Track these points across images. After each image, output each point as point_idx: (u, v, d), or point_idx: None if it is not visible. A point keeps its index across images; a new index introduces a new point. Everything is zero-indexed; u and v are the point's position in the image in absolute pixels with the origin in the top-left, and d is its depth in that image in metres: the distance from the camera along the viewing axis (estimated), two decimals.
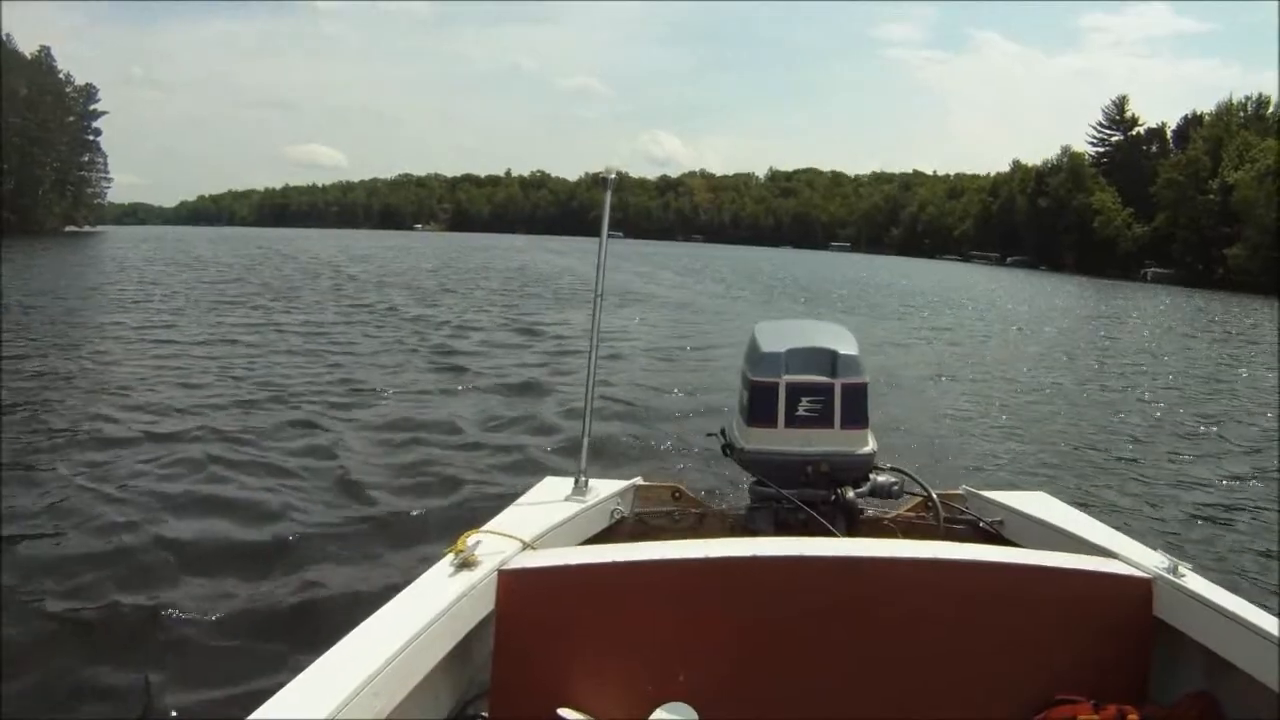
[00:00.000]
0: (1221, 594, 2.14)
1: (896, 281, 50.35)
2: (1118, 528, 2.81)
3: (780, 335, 3.24)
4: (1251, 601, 2.10)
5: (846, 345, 3.15)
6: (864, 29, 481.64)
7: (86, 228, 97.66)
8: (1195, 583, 2.20)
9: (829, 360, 3.09)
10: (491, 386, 11.31)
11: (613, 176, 3.35)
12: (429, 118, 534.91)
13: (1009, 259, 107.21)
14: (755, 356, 3.18)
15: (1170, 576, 2.22)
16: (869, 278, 53.32)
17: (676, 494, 3.46)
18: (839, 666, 2.17)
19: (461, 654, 2.07)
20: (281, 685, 1.58)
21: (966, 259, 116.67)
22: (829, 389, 3.05)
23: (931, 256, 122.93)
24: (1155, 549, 2.42)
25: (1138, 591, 2.23)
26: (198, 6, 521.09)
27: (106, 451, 7.51)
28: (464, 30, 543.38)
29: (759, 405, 3.10)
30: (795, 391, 3.06)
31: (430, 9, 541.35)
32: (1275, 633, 1.91)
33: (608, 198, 3.33)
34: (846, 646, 2.18)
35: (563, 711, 2.08)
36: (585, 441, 3.09)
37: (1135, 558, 2.35)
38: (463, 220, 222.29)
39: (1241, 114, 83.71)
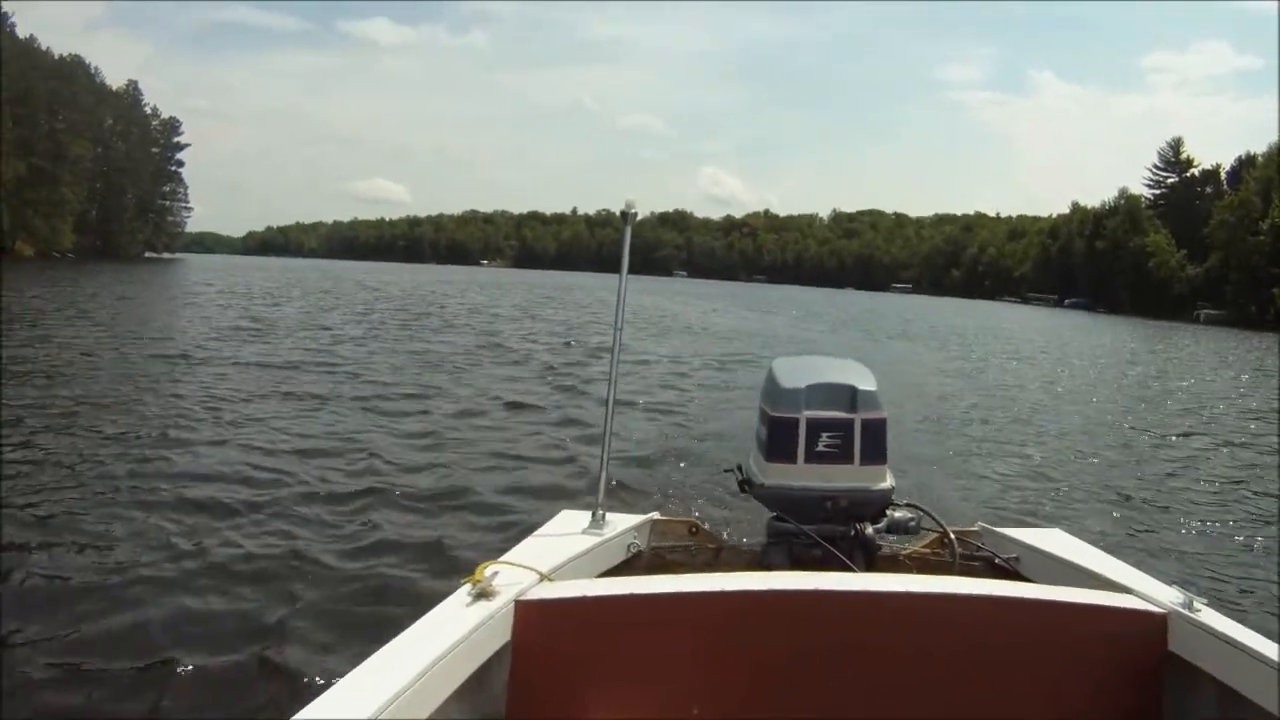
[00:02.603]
0: (1237, 629, 2.14)
1: (945, 321, 51.39)
2: (1134, 564, 2.85)
3: (799, 371, 3.25)
4: (1267, 636, 2.11)
5: (865, 381, 3.16)
6: (925, 70, 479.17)
7: (165, 255, 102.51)
8: (1210, 618, 2.19)
9: (849, 396, 3.10)
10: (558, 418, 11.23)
11: (633, 211, 3.35)
12: (491, 154, 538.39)
13: (1066, 300, 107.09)
14: (775, 392, 3.18)
15: (1185, 611, 2.22)
16: (919, 318, 53.68)
17: (693, 529, 3.48)
18: (855, 701, 2.18)
19: (477, 683, 2.06)
20: (295, 711, 1.61)
21: (1025, 300, 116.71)
22: (849, 424, 3.06)
23: (991, 298, 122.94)
24: (1171, 584, 2.43)
25: (1153, 626, 2.23)
26: (259, 41, 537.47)
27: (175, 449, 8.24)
28: (523, 68, 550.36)
29: (778, 441, 3.11)
30: (815, 427, 3.07)
31: (490, 46, 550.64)
32: None
33: (627, 232, 3.34)
34: (863, 681, 2.19)
35: None
36: (603, 475, 3.10)
37: (1150, 593, 2.36)
38: (528, 257, 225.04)
39: None
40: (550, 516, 3.24)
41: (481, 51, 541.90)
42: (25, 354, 14.07)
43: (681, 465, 8.38)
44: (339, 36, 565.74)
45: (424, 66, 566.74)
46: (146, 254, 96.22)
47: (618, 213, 3.40)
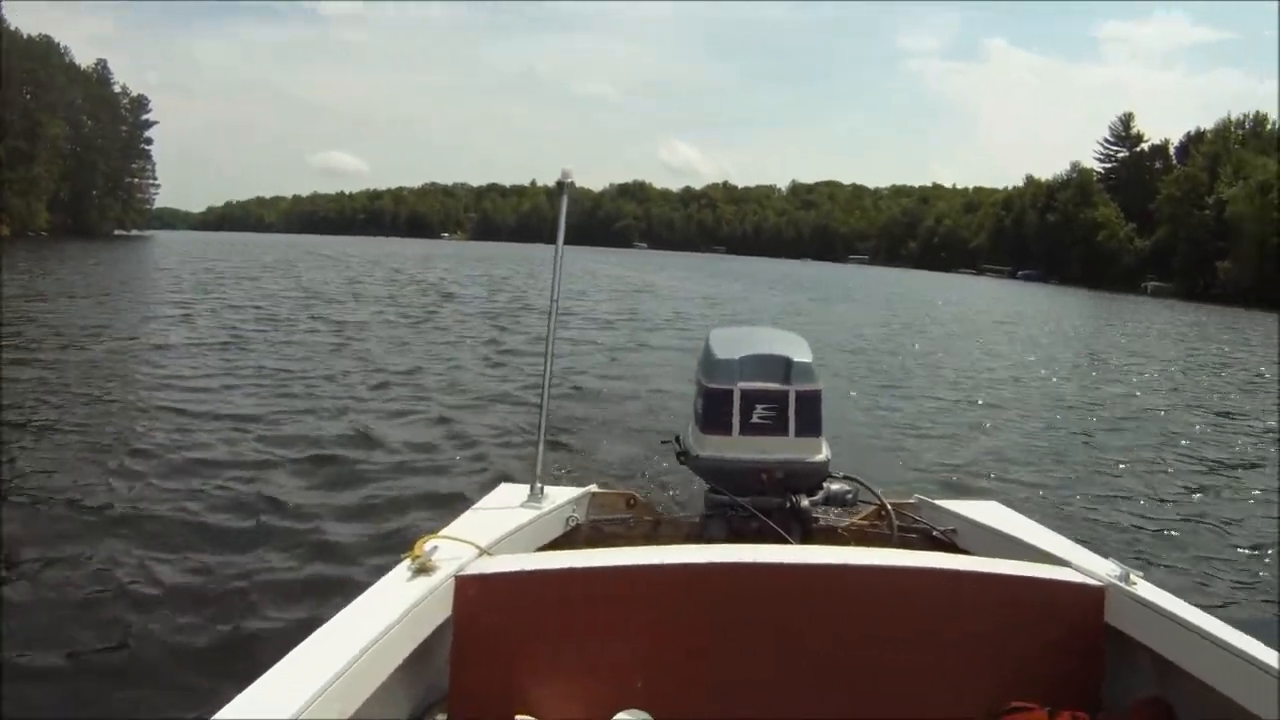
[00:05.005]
0: (1172, 601, 2.18)
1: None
2: (1071, 536, 2.87)
3: (734, 342, 3.24)
4: (1201, 608, 2.15)
5: (800, 352, 3.15)
6: (885, 39, 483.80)
7: (134, 232, 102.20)
8: (1146, 590, 2.22)
9: (783, 367, 3.09)
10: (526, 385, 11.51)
11: (569, 180, 3.33)
12: (448, 124, 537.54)
13: (1020, 272, 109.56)
14: (709, 363, 3.17)
15: (1122, 584, 2.24)
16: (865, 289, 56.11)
17: (631, 501, 3.45)
18: (793, 673, 2.19)
19: (420, 659, 2.06)
20: (236, 691, 1.59)
21: (980, 272, 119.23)
22: (783, 396, 3.05)
23: (947, 269, 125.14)
24: (1107, 557, 2.46)
25: (1090, 599, 2.26)
26: (211, 15, 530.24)
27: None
28: (480, 37, 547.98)
29: (713, 412, 3.11)
30: (749, 399, 3.05)
31: (444, 13, 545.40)
32: (1224, 637, 1.95)
33: (563, 202, 3.30)
34: (800, 653, 2.21)
35: (520, 718, 2.10)
36: (540, 448, 3.08)
37: (1087, 566, 2.38)
38: (489, 229, 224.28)
39: (1240, 131, 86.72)
40: (489, 490, 3.26)
41: (436, 21, 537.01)
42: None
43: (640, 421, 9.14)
44: (290, 8, 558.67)
45: (377, 38, 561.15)
46: (116, 231, 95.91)
47: (554, 182, 3.38)
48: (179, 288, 27.82)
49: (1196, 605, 2.18)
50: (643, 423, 9.09)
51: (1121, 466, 9.27)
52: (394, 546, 4.18)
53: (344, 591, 2.69)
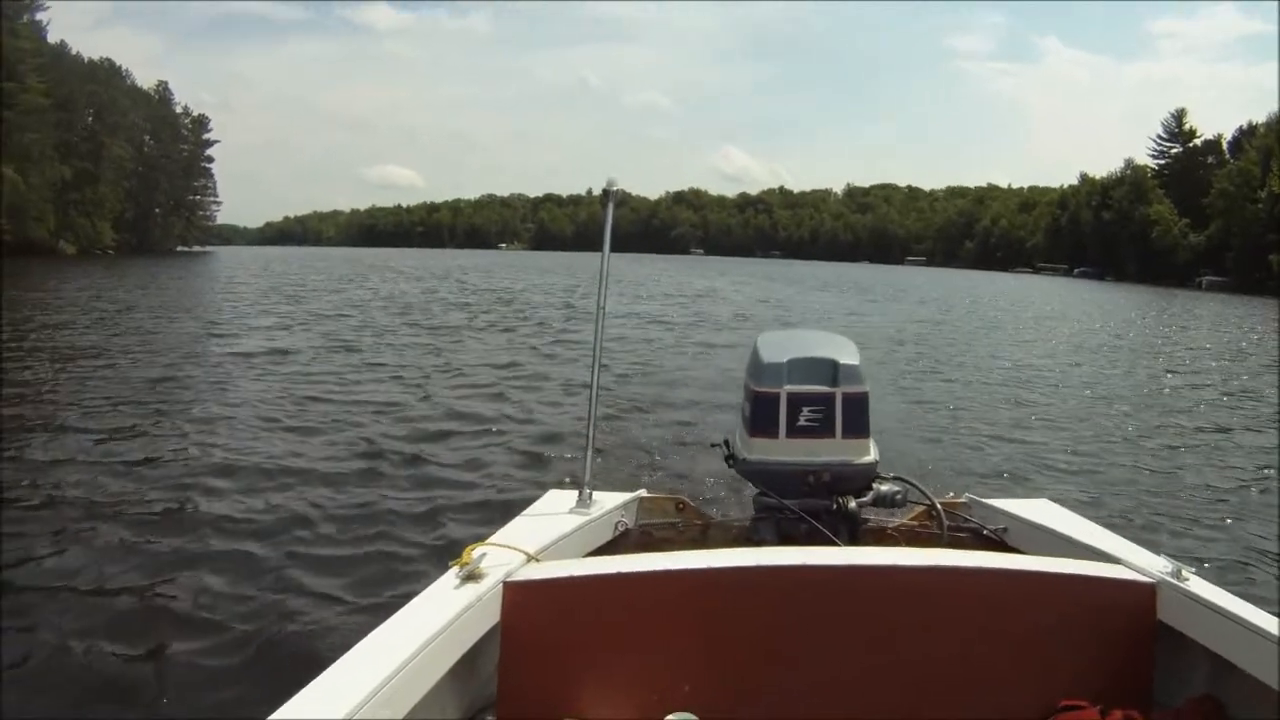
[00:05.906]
0: (1225, 597, 2.15)
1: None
2: (1122, 533, 2.84)
3: (781, 346, 3.24)
4: (1254, 604, 2.12)
5: (847, 355, 3.15)
6: (934, 41, 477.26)
7: (196, 248, 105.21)
8: (1199, 586, 2.20)
9: (830, 370, 3.09)
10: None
11: (615, 189, 3.37)
12: (501, 136, 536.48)
13: (1076, 270, 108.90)
14: (757, 367, 3.18)
15: (1174, 581, 2.22)
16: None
17: (680, 506, 3.45)
18: (844, 675, 2.19)
19: (468, 666, 2.07)
20: (286, 697, 1.62)
21: (1036, 271, 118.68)
22: (830, 398, 3.05)
23: (1004, 269, 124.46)
24: (1159, 554, 2.44)
25: (1141, 596, 2.24)
26: (260, 32, 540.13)
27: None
28: (527, 49, 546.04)
29: (761, 415, 3.10)
30: (796, 401, 3.06)
31: (491, 27, 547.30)
32: (1278, 634, 1.92)
33: (609, 210, 3.35)
34: (851, 655, 2.20)
35: None
36: (589, 454, 3.07)
37: (1139, 563, 2.36)
38: (547, 239, 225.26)
39: None
40: (537, 496, 3.26)
41: (483, 34, 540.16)
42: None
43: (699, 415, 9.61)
44: (339, 22, 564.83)
45: (427, 50, 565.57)
46: (179, 248, 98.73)
47: (601, 190, 3.42)
48: (269, 299, 29.21)
49: (1250, 602, 2.16)
50: (697, 427, 9.11)
51: (1177, 459, 9.10)
52: (443, 554, 4.32)
53: (393, 599, 2.77)
